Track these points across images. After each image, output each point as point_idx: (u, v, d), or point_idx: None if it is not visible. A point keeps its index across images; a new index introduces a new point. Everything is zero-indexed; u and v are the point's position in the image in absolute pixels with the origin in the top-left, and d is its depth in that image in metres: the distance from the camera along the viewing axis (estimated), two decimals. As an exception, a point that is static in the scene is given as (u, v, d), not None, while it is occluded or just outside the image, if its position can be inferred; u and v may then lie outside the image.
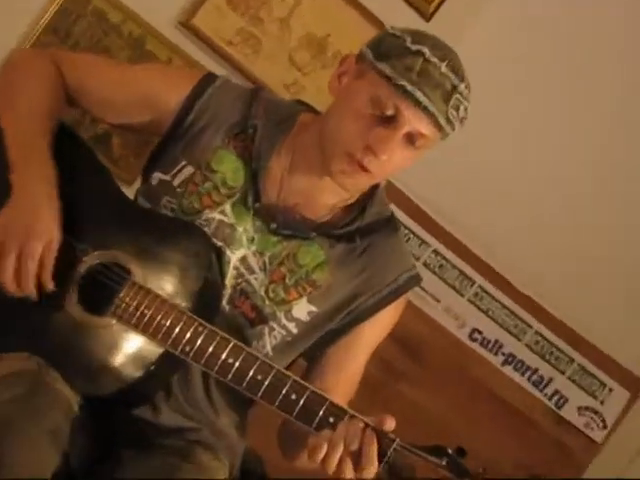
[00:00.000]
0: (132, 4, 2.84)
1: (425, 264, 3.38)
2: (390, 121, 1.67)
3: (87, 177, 1.80)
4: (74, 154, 1.81)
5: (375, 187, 1.85)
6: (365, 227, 1.82)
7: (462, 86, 1.68)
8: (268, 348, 1.77)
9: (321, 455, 1.54)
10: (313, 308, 1.79)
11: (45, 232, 1.65)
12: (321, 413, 1.57)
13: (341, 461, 1.53)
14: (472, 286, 3.44)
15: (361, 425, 1.54)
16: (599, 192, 3.43)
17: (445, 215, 3.32)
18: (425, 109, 1.65)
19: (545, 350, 3.55)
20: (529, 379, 3.57)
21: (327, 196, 1.81)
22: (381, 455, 1.52)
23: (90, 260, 1.71)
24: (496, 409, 3.53)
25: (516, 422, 3.55)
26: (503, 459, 3.55)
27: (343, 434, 1.53)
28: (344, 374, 1.86)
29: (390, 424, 1.55)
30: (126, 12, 2.82)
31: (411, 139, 1.69)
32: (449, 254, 3.39)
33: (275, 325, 1.77)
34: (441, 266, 3.40)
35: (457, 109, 1.68)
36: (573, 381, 3.60)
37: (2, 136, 1.77)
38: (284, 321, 1.78)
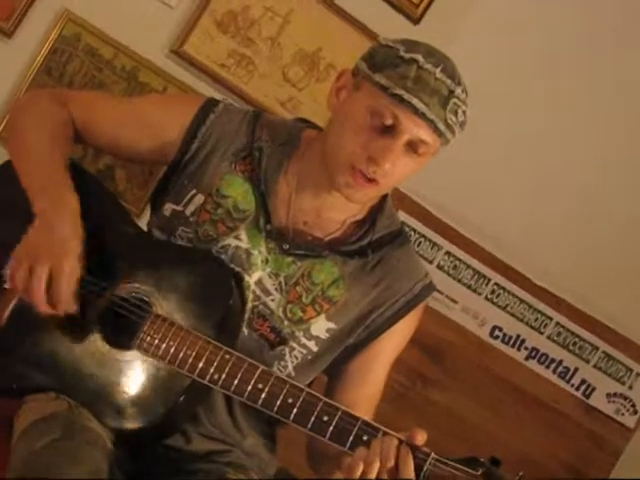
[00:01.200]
0: (122, 37, 2.85)
1: (439, 266, 3.37)
2: (390, 130, 1.68)
3: (101, 212, 1.81)
4: (87, 190, 1.82)
5: (383, 200, 1.86)
6: (376, 241, 1.83)
7: (459, 90, 1.69)
8: (290, 368, 1.78)
9: (357, 474, 1.54)
10: (331, 325, 1.80)
11: (73, 250, 1.67)
12: (354, 432, 1.57)
13: (377, 478, 1.53)
14: (488, 284, 3.44)
15: (395, 441, 1.54)
16: (606, 178, 3.42)
17: (453, 215, 3.32)
18: (423, 116, 1.66)
19: (568, 341, 3.54)
20: (554, 371, 3.55)
21: (336, 212, 1.82)
22: (417, 470, 1.52)
23: (111, 295, 1.72)
24: (525, 405, 3.52)
25: (546, 416, 3.54)
26: (538, 454, 3.53)
27: (378, 451, 1.53)
28: (366, 388, 1.86)
29: (422, 438, 1.55)
30: (117, 46, 2.83)
31: (413, 147, 1.70)
32: (462, 254, 3.38)
33: (295, 345, 1.78)
34: (455, 267, 3.39)
35: (455, 114, 1.69)
36: (599, 369, 3.58)
37: (17, 176, 1.79)
38: (304, 340, 1.79)
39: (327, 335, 1.80)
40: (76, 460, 1.54)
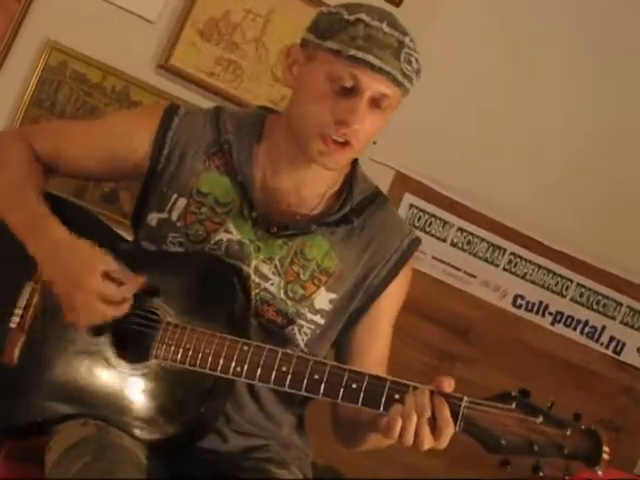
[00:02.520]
0: (108, 59, 2.87)
1: (452, 243, 3.37)
2: (351, 91, 1.70)
3: (90, 233, 1.80)
4: (69, 215, 1.82)
5: (354, 166, 1.88)
6: (357, 206, 1.85)
7: (407, 39, 1.72)
8: (302, 345, 1.80)
9: (397, 430, 1.56)
10: (333, 295, 1.82)
11: (88, 263, 1.70)
12: (385, 393, 1.58)
13: (418, 431, 1.55)
14: (504, 254, 3.44)
15: (427, 393, 1.56)
16: (608, 135, 3.42)
17: (460, 192, 3.33)
18: (381, 70, 1.68)
19: (591, 300, 3.54)
20: (582, 332, 3.55)
21: (315, 187, 1.84)
22: (454, 415, 1.55)
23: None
24: (556, 369, 3.52)
25: (579, 377, 3.54)
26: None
27: (413, 405, 1.55)
28: (375, 349, 1.88)
29: (449, 384, 1.58)
30: (104, 69, 2.85)
31: (376, 102, 1.72)
32: (474, 228, 3.38)
33: (302, 322, 1.80)
34: (469, 242, 3.39)
35: (409, 62, 1.71)
36: (626, 324, 3.58)
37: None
38: (310, 315, 1.80)
39: (330, 306, 1.81)
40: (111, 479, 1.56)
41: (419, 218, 3.31)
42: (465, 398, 1.56)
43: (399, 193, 3.24)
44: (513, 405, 1.55)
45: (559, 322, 3.53)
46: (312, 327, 1.80)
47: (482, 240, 3.41)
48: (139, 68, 2.92)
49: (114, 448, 1.63)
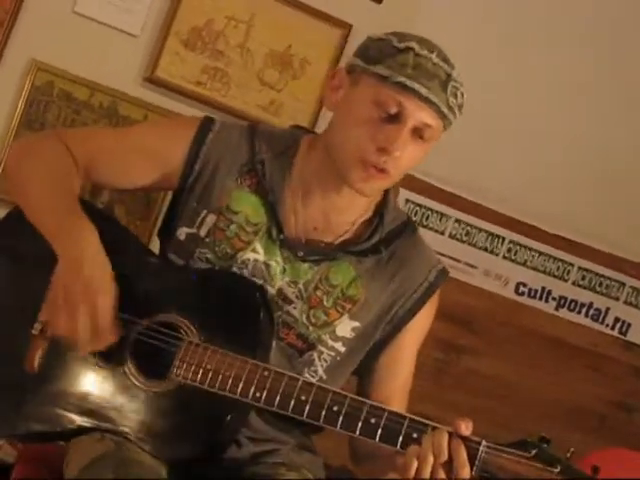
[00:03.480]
0: (94, 75, 2.87)
1: (451, 235, 3.37)
2: (395, 119, 1.69)
3: (118, 246, 1.79)
4: (100, 225, 1.79)
5: (386, 195, 1.87)
6: (386, 236, 1.84)
7: (455, 73, 1.72)
8: (321, 372, 1.79)
9: (413, 471, 1.55)
10: (356, 324, 1.80)
11: (106, 283, 1.68)
12: (403, 431, 1.57)
13: (434, 474, 1.55)
14: (503, 243, 3.43)
15: (446, 435, 1.55)
16: (597, 113, 3.42)
17: (455, 183, 3.33)
18: (427, 100, 1.68)
19: (594, 282, 3.54)
20: (587, 315, 3.55)
21: (345, 215, 1.83)
22: (471, 459, 1.53)
23: (141, 327, 1.73)
24: (564, 354, 3.52)
25: (587, 361, 3.54)
26: (586, 400, 3.53)
27: (430, 447, 1.54)
28: (397, 380, 1.87)
29: (467, 427, 1.55)
30: (90, 85, 2.85)
31: (418, 132, 1.71)
32: (471, 219, 3.38)
33: (323, 348, 1.79)
34: (467, 233, 3.39)
35: (455, 96, 1.71)
36: (630, 304, 3.58)
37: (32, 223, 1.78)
38: (331, 342, 1.79)
39: (353, 334, 1.80)
40: None
41: (416, 212, 3.31)
42: (483, 442, 1.54)
43: (394, 189, 3.23)
44: (532, 453, 1.52)
45: (563, 307, 3.53)
46: (332, 354, 1.79)
47: (480, 230, 3.41)
48: (125, 82, 2.91)
49: (135, 464, 1.63)
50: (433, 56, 1.69)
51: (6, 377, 1.77)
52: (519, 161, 3.35)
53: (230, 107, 2.96)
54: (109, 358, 1.71)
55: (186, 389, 1.67)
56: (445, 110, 1.69)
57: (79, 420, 1.72)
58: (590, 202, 3.45)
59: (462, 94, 1.73)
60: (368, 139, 1.69)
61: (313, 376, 1.77)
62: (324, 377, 1.78)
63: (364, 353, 1.83)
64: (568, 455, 1.52)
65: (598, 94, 3.42)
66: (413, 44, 1.69)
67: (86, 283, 1.67)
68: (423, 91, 1.66)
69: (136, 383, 1.70)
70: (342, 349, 1.79)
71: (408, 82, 1.66)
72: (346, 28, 2.90)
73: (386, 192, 1.86)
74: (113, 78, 2.89)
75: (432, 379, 3.33)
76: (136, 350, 1.72)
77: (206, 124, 1.87)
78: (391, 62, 1.68)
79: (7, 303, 1.81)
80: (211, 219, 1.82)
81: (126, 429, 1.69)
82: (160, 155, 1.86)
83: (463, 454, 1.53)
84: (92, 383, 1.72)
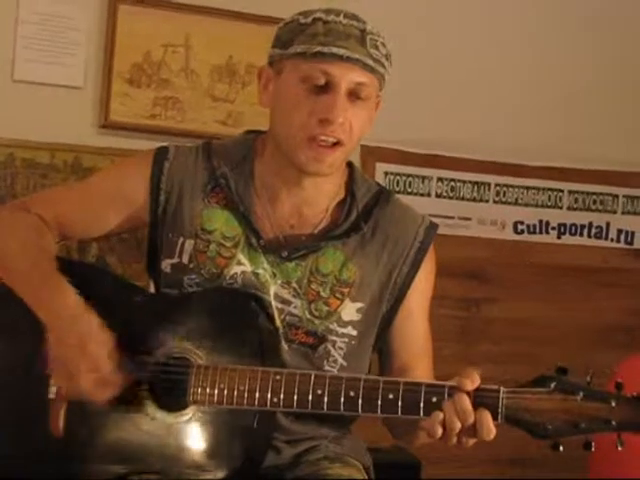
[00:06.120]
0: (50, 136, 2.87)
1: (437, 195, 3.38)
2: (327, 88, 1.70)
3: (107, 294, 1.82)
4: (85, 279, 1.82)
5: (351, 171, 1.86)
6: (363, 210, 1.84)
7: (368, 27, 1.72)
8: (340, 360, 1.79)
9: (439, 435, 1.57)
10: (359, 304, 1.81)
11: (97, 338, 1.69)
12: (422, 398, 1.58)
13: (460, 435, 1.56)
14: (489, 188, 3.44)
15: (466, 398, 1.55)
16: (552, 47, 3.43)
17: (427, 144, 3.32)
18: (349, 59, 1.68)
19: (588, 202, 3.55)
20: (589, 235, 3.57)
21: (316, 204, 1.83)
22: (494, 408, 1.54)
23: (150, 364, 1.74)
24: (578, 279, 3.53)
25: (602, 279, 3.56)
26: (610, 317, 3.54)
27: (455, 413, 1.56)
28: (416, 345, 1.87)
29: (474, 380, 1.56)
30: (50, 147, 2.86)
31: (355, 93, 1.71)
32: (452, 174, 3.40)
33: (335, 338, 1.79)
34: (452, 188, 3.40)
35: (376, 47, 1.71)
36: (628, 213, 3.60)
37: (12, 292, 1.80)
38: (340, 330, 1.80)
39: (360, 315, 1.81)
40: None
41: (397, 182, 3.32)
42: (502, 389, 1.55)
43: (370, 165, 3.24)
44: (552, 386, 1.53)
45: (565, 233, 3.54)
46: (346, 340, 1.80)
47: (464, 182, 3.42)
48: (83, 135, 2.92)
49: None
50: (341, 18, 1.70)
51: (32, 445, 1.77)
52: (484, 105, 3.36)
53: (190, 131, 2.97)
54: (128, 402, 1.72)
55: (207, 412, 1.69)
56: (371, 63, 1.70)
57: (115, 469, 1.72)
58: (563, 126, 3.45)
59: (383, 44, 1.73)
60: (307, 115, 1.70)
61: (333, 366, 1.78)
62: (345, 364, 1.78)
63: (376, 329, 1.83)
64: (588, 379, 1.53)
65: (549, 20, 3.43)
66: (319, 14, 1.71)
67: (76, 343, 1.67)
68: (342, 52, 1.67)
69: (159, 419, 1.71)
70: (354, 332, 1.80)
71: (325, 49, 1.67)
72: (278, 23, 2.90)
73: (350, 169, 1.87)
74: (70, 134, 2.90)
75: (457, 338, 3.34)
76: (151, 388, 1.72)
77: (160, 154, 1.88)
78: (303, 38, 1.69)
79: (15, 374, 1.81)
80: (189, 244, 1.83)
81: (161, 465, 1.70)
82: (124, 197, 1.88)
83: (486, 415, 1.54)
84: (118, 430, 1.73)
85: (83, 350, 1.67)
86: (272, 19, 2.90)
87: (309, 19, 1.70)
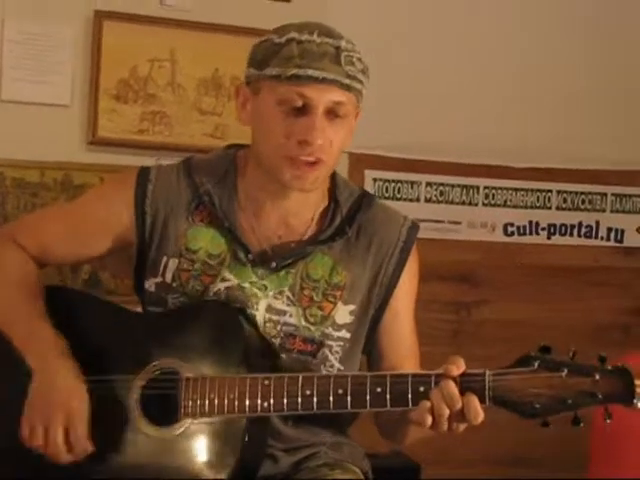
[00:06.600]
0: (39, 155, 2.89)
1: (427, 200, 3.40)
2: (304, 109, 1.71)
3: (93, 316, 1.85)
4: (70, 305, 1.87)
5: (334, 179, 1.89)
6: (347, 214, 1.86)
7: (343, 43, 1.73)
8: (337, 365, 1.81)
9: (429, 424, 1.58)
10: (351, 307, 1.83)
11: (77, 396, 1.72)
12: (410, 390, 1.60)
13: (450, 422, 1.58)
14: (478, 191, 3.46)
15: (452, 384, 1.58)
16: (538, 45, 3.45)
17: (414, 148, 3.34)
18: (324, 80, 1.69)
19: (576, 202, 3.58)
20: (579, 234, 3.59)
21: (301, 214, 1.86)
22: (480, 391, 1.56)
23: (139, 383, 1.75)
24: (569, 279, 3.55)
25: (593, 278, 3.58)
26: (602, 316, 3.56)
27: (442, 399, 1.57)
28: (402, 347, 1.89)
29: (460, 366, 1.59)
30: (39, 166, 2.87)
31: (333, 112, 1.73)
32: (440, 178, 3.42)
33: (331, 342, 1.82)
34: (441, 192, 3.42)
35: (352, 64, 1.72)
36: (617, 211, 3.62)
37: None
38: (336, 333, 1.82)
39: (352, 317, 1.83)
40: None
41: (386, 189, 3.34)
42: (487, 372, 1.57)
43: (359, 173, 3.26)
44: (536, 365, 1.55)
45: (554, 234, 3.56)
46: (341, 343, 1.82)
47: (453, 186, 3.44)
48: (71, 152, 2.93)
49: None
50: (315, 37, 1.70)
51: (30, 467, 1.78)
52: (469, 108, 3.37)
53: (178, 145, 2.98)
54: (120, 425, 1.74)
55: (199, 424, 1.70)
56: (347, 81, 1.71)
57: None
58: (550, 127, 3.47)
59: (359, 59, 1.74)
60: (286, 137, 1.72)
61: (330, 371, 1.80)
62: (341, 368, 1.81)
63: (366, 330, 1.85)
64: (571, 355, 1.54)
65: (533, 21, 3.45)
66: (292, 34, 1.71)
67: (58, 401, 1.71)
68: (317, 74, 1.68)
69: (154, 436, 1.72)
70: (347, 335, 1.82)
71: (300, 72, 1.68)
72: (263, 34, 2.92)
73: (332, 176, 1.88)
74: (58, 152, 2.91)
75: (449, 342, 3.36)
76: (143, 405, 1.74)
77: (142, 177, 1.89)
78: (277, 60, 1.70)
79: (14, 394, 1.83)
80: (173, 263, 1.84)
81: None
82: (109, 222, 1.90)
83: (473, 399, 1.56)
84: (113, 452, 1.74)
85: (65, 405, 1.71)
86: (256, 31, 2.92)
87: (283, 39, 1.71)
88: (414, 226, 1.89)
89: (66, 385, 1.72)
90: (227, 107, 3.03)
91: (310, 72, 1.68)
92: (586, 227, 3.59)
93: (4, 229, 2.08)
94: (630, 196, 3.61)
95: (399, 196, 3.35)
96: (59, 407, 1.71)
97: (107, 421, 1.74)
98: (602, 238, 3.61)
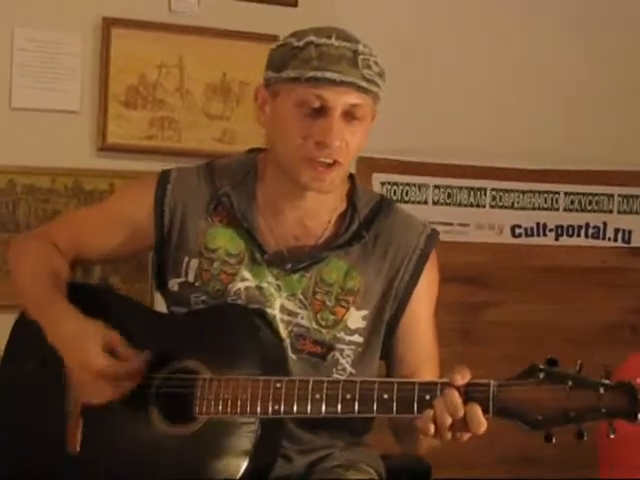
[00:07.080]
0: (49, 161, 2.90)
1: (435, 202, 3.41)
2: (322, 111, 1.74)
3: (118, 314, 1.89)
4: (97, 302, 1.91)
5: (352, 183, 1.91)
6: (365, 220, 1.88)
7: (360, 47, 1.75)
8: (349, 368, 1.83)
9: (431, 432, 1.59)
10: (364, 312, 1.85)
11: (94, 343, 1.77)
12: (416, 397, 1.61)
13: (453, 430, 1.58)
14: (486, 193, 3.47)
15: (455, 392, 1.58)
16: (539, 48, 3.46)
17: (422, 151, 3.35)
18: (342, 83, 1.72)
19: (584, 203, 3.58)
20: (587, 235, 3.59)
21: (318, 216, 1.88)
22: (485, 402, 1.56)
23: (158, 381, 1.79)
24: (577, 280, 3.55)
25: (600, 278, 3.58)
26: (611, 317, 3.56)
27: (444, 408, 1.58)
28: (422, 350, 1.90)
29: (465, 376, 1.59)
30: (49, 172, 2.89)
31: (350, 114, 1.75)
32: (448, 180, 3.43)
33: (342, 346, 1.83)
34: (449, 195, 3.43)
35: (369, 67, 1.75)
36: (624, 212, 3.62)
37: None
38: (347, 337, 1.83)
39: (365, 322, 1.84)
40: None
41: (394, 192, 3.35)
42: (492, 382, 1.57)
43: (367, 176, 3.27)
44: (541, 377, 1.54)
45: (562, 235, 3.57)
46: (353, 347, 1.84)
47: (461, 188, 3.45)
48: (81, 158, 2.95)
49: None
50: (333, 40, 1.73)
51: (46, 461, 1.84)
52: (476, 111, 3.38)
53: (187, 150, 3.00)
54: (136, 420, 1.78)
55: (214, 423, 1.73)
56: (364, 84, 1.73)
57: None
58: (557, 129, 3.48)
59: (375, 62, 1.76)
60: (304, 138, 1.74)
61: (342, 374, 1.82)
62: (353, 371, 1.82)
63: (382, 335, 1.86)
64: (577, 368, 1.54)
65: (541, 23, 3.47)
66: (310, 37, 1.74)
67: (74, 358, 1.77)
68: (335, 77, 1.71)
69: (169, 434, 1.76)
70: (360, 340, 1.84)
71: (318, 74, 1.71)
72: (271, 40, 2.93)
73: (351, 180, 1.91)
74: (69, 158, 2.93)
75: (459, 343, 3.36)
76: (160, 404, 1.78)
77: (163, 178, 1.94)
78: (296, 62, 1.73)
79: (31, 392, 1.90)
80: (194, 263, 1.88)
81: (171, 478, 1.74)
82: (131, 220, 1.95)
83: (476, 409, 1.56)
84: (131, 448, 1.78)
85: (85, 365, 1.75)
86: (263, 36, 2.95)
87: (301, 42, 1.74)
88: (433, 234, 1.90)
89: (82, 324, 1.79)
90: (235, 112, 3.05)
91: (328, 74, 1.70)
92: (593, 228, 3.59)
93: (40, 229, 2.16)
94: (637, 197, 3.62)
95: (407, 199, 3.36)
96: (81, 371, 1.76)
97: (124, 416, 1.78)
98: (609, 239, 3.61)
